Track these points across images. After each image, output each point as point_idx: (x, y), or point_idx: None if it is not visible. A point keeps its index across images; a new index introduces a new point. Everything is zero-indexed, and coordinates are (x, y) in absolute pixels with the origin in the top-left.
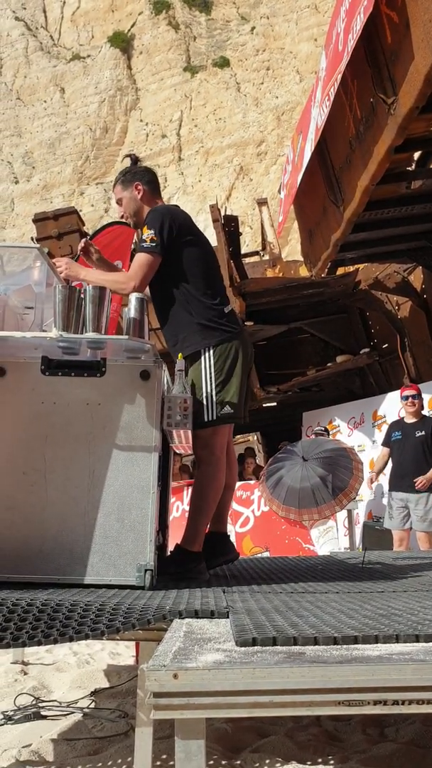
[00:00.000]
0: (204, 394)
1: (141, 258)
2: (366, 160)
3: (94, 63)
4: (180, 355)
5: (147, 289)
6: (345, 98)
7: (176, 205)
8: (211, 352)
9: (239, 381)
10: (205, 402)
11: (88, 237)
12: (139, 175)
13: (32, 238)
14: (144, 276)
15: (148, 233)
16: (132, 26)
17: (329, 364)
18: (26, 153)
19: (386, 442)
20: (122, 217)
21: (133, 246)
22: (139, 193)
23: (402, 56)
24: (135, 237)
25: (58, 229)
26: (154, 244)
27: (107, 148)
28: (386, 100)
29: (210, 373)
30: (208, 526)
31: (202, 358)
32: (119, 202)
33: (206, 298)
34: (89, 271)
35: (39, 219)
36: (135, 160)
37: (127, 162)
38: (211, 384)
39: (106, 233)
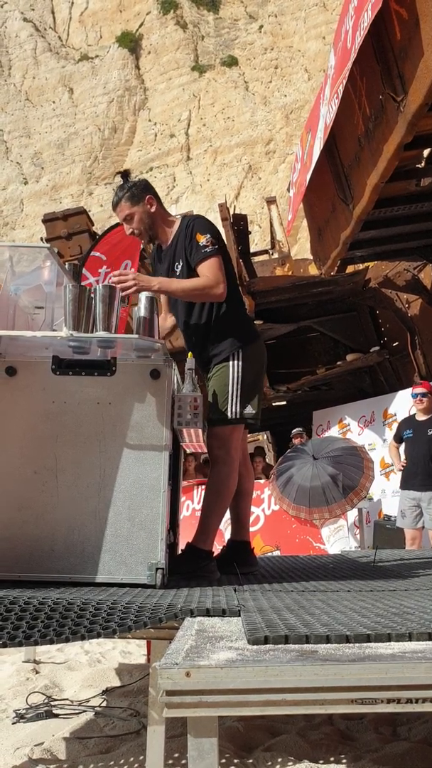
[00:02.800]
0: (229, 392)
1: (214, 262)
2: (375, 158)
3: (102, 63)
4: (190, 354)
5: (152, 293)
6: (354, 96)
7: None
8: (240, 353)
9: (260, 382)
10: (230, 399)
11: (98, 237)
12: (146, 188)
13: (42, 239)
14: (224, 278)
15: (205, 238)
16: (140, 26)
17: (339, 363)
18: (35, 154)
19: (398, 439)
20: (132, 233)
21: (142, 246)
22: (152, 206)
23: (411, 53)
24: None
25: (68, 230)
26: (216, 247)
27: (116, 148)
28: (395, 97)
29: (237, 373)
30: (230, 534)
31: (230, 361)
32: (128, 218)
33: (233, 301)
34: (163, 280)
35: (48, 219)
36: (127, 174)
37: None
38: (237, 383)
39: (115, 233)
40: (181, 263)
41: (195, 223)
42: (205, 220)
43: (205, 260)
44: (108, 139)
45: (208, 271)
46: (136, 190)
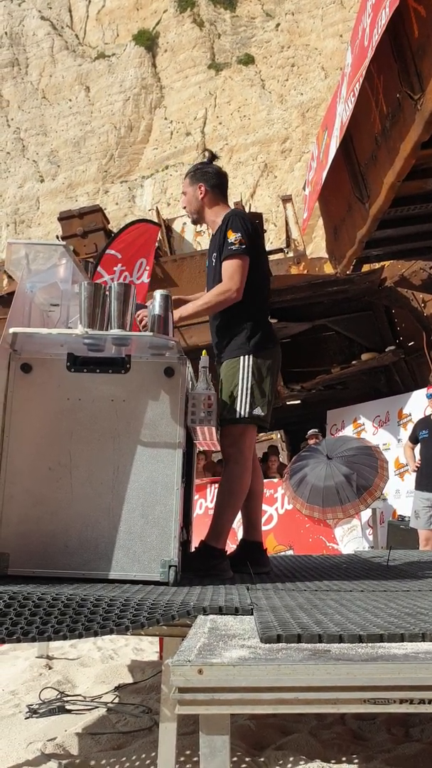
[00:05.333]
0: (239, 390)
1: (235, 262)
2: (392, 157)
3: (119, 61)
4: (204, 352)
5: (166, 291)
6: (371, 94)
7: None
8: (250, 358)
9: (271, 387)
10: (239, 398)
11: (113, 235)
12: (206, 177)
13: (58, 236)
14: (242, 278)
15: (235, 236)
16: (157, 24)
17: (354, 362)
18: (51, 152)
19: (413, 439)
20: (184, 208)
21: (157, 245)
22: (201, 194)
23: (429, 50)
24: (159, 235)
25: (83, 227)
26: (244, 247)
27: (132, 146)
28: (413, 96)
29: (248, 373)
30: (242, 534)
31: (241, 362)
32: (184, 193)
33: (261, 306)
34: (184, 308)
35: (64, 217)
36: (212, 158)
37: (204, 156)
38: (247, 383)
39: (131, 231)
40: (215, 256)
41: (231, 219)
42: (241, 218)
43: (228, 259)
44: (124, 138)
45: (225, 272)
46: (198, 174)
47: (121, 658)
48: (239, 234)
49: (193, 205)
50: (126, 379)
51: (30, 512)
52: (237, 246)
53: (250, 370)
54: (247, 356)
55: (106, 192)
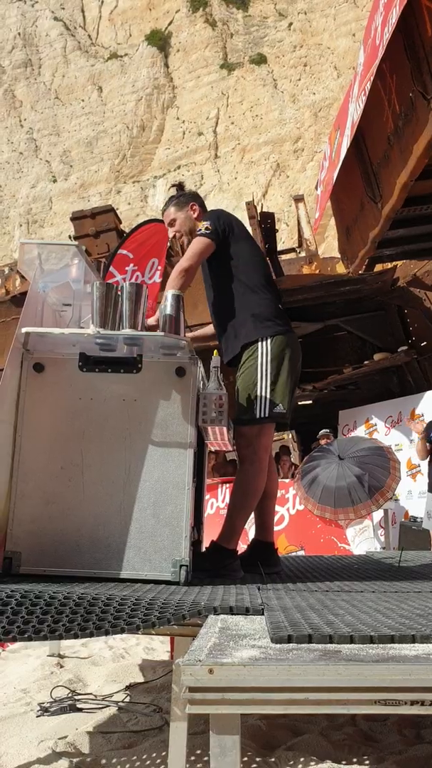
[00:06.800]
0: (258, 390)
1: (195, 242)
2: (404, 156)
3: (131, 61)
4: (215, 352)
5: (178, 291)
6: (383, 93)
7: None
8: (268, 343)
9: (292, 380)
10: (258, 398)
11: (125, 235)
12: (193, 197)
13: (70, 236)
14: (197, 258)
15: (203, 224)
16: (169, 24)
17: (366, 362)
18: (64, 152)
19: (426, 439)
20: (174, 237)
21: (169, 245)
22: (194, 212)
23: None
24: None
25: (96, 227)
26: (208, 231)
27: (144, 146)
28: (425, 95)
29: (266, 368)
30: (254, 534)
31: (259, 350)
32: (172, 223)
33: (263, 293)
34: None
35: (77, 217)
36: (181, 186)
37: (173, 191)
38: (266, 380)
39: (143, 231)
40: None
41: (207, 214)
42: (213, 211)
43: (193, 239)
44: (136, 138)
45: (188, 249)
46: (183, 198)
47: (132, 657)
48: (208, 222)
49: (188, 225)
50: (137, 379)
51: (42, 511)
52: (203, 230)
53: (268, 361)
54: (263, 343)
55: (119, 192)
